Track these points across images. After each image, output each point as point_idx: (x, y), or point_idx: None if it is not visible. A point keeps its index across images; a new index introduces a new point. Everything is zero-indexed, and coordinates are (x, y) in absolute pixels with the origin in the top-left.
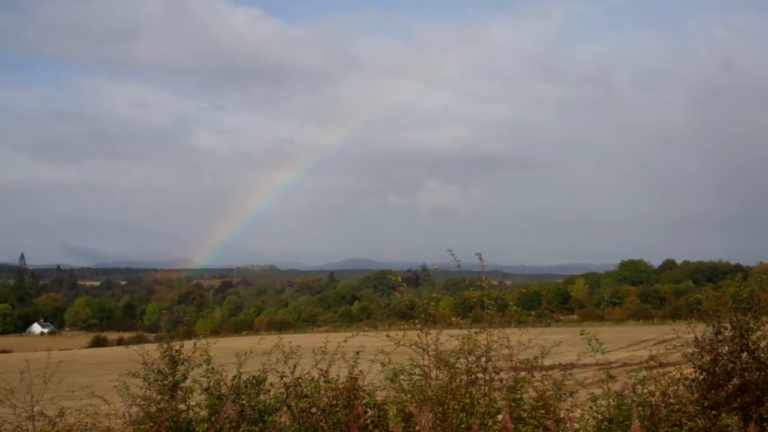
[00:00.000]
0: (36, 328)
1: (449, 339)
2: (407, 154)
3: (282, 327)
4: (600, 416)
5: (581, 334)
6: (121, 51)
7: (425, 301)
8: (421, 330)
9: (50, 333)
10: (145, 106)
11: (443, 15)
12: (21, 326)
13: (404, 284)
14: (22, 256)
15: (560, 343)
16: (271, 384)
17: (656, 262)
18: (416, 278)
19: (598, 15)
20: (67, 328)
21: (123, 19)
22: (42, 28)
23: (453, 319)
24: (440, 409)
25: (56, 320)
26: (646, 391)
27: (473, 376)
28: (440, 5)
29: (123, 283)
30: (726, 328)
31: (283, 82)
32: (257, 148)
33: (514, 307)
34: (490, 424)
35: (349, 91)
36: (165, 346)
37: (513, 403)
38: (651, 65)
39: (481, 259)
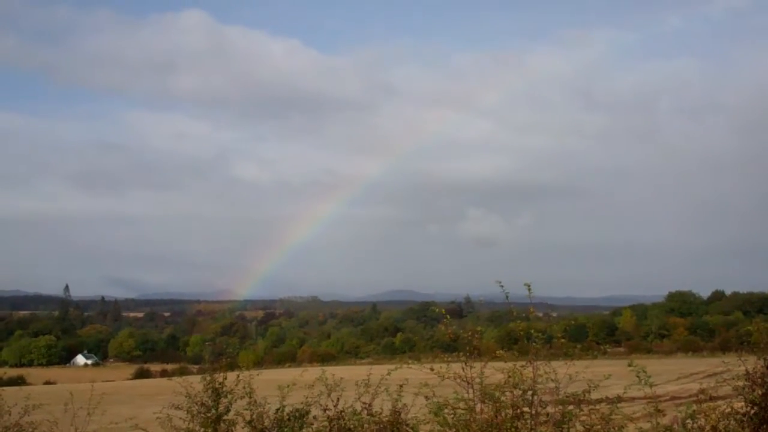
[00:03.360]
0: (80, 359)
1: (494, 372)
2: (448, 184)
3: (325, 359)
4: None
5: (629, 367)
6: (162, 83)
7: (469, 333)
8: (465, 363)
9: (94, 364)
10: (186, 137)
11: (480, 44)
12: (65, 358)
13: (448, 316)
14: (67, 287)
15: (609, 376)
16: (314, 417)
17: (705, 293)
18: (460, 310)
19: (639, 43)
20: (111, 360)
21: (163, 52)
22: (85, 61)
23: (498, 351)
24: None
25: (100, 352)
26: (696, 425)
27: (519, 411)
28: (477, 34)
29: (166, 314)
30: None
31: (321, 112)
32: (297, 179)
33: (561, 340)
34: None
35: (388, 120)
36: (208, 378)
37: None
38: (695, 92)
39: (529, 289)
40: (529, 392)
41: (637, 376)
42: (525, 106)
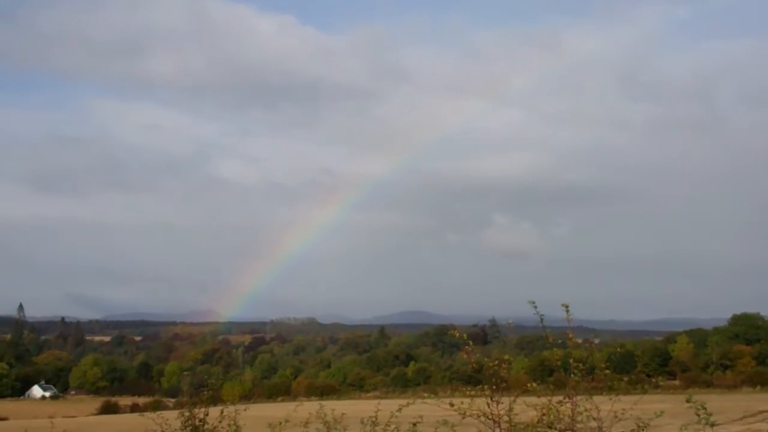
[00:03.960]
0: (36, 391)
1: (525, 409)
2: (469, 185)
3: (324, 392)
4: None
5: (686, 403)
6: (132, 67)
7: (496, 362)
8: (491, 398)
9: (53, 397)
10: (160, 129)
11: (507, 21)
12: (19, 389)
13: (470, 342)
14: (21, 306)
15: (662, 413)
16: None
17: None
18: (484, 334)
19: (694, 20)
20: (73, 392)
21: (134, 31)
22: (41, 41)
23: (530, 384)
24: None
25: (60, 382)
26: None
27: None
28: (502, 9)
29: (137, 338)
30: None
31: (318, 100)
32: (291, 179)
33: (605, 371)
34: None
35: (398, 110)
36: (187, 413)
37: None
38: (760, 78)
39: (567, 311)
40: None
41: (696, 414)
42: (560, 93)
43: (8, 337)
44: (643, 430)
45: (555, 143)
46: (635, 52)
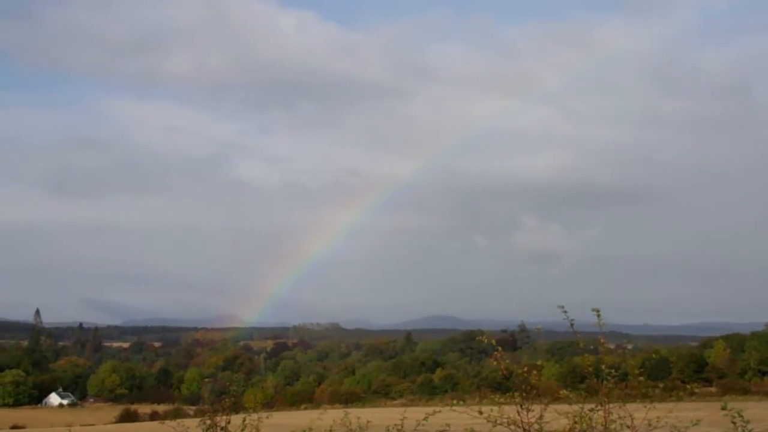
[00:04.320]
0: (54, 398)
1: (556, 417)
2: (497, 186)
3: (348, 399)
4: None
5: (722, 411)
6: (149, 65)
7: (525, 368)
8: (521, 405)
9: (70, 405)
10: (178, 130)
11: (536, 15)
12: (36, 397)
13: (499, 348)
14: (38, 312)
15: (698, 422)
16: None
17: None
18: (513, 340)
19: (732, 12)
20: (91, 399)
21: (150, 28)
22: (55, 39)
23: (561, 391)
24: None
25: (78, 389)
26: None
27: None
28: (531, 5)
29: (157, 344)
30: None
31: (341, 99)
32: (313, 181)
33: (638, 377)
34: None
35: (424, 109)
36: (208, 421)
37: None
38: None
39: (598, 315)
40: None
41: (733, 422)
42: (590, 90)
43: (25, 343)
44: None
45: (586, 142)
46: (669, 47)
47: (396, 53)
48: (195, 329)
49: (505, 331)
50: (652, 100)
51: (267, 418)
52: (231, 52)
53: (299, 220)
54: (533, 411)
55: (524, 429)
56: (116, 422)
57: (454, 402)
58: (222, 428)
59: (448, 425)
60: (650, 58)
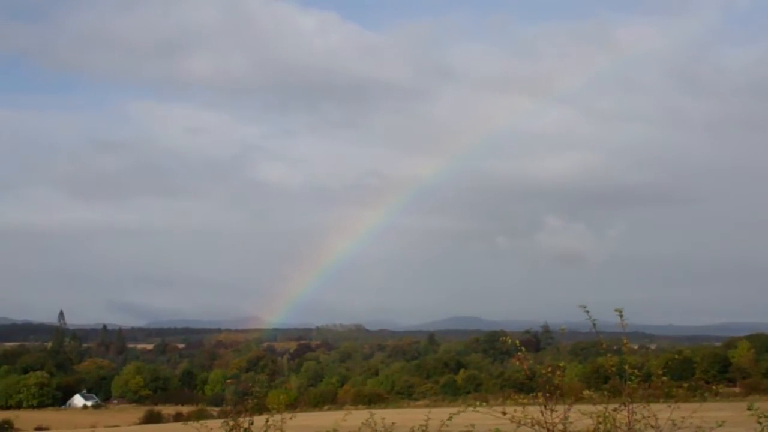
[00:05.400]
0: (78, 400)
1: (580, 417)
2: (520, 187)
3: (372, 400)
4: None
5: (747, 411)
6: (171, 68)
7: (549, 369)
8: (544, 406)
9: (95, 406)
10: (200, 131)
11: (556, 16)
12: (60, 398)
13: (523, 348)
14: (62, 313)
15: (723, 423)
16: None
17: None
18: (537, 341)
19: (756, 11)
20: (115, 401)
21: (172, 30)
22: (78, 42)
23: (584, 392)
24: None
25: (102, 391)
26: None
27: None
28: (552, 4)
29: (180, 346)
30: None
31: (364, 100)
32: (335, 182)
33: (662, 377)
34: None
35: (445, 110)
36: (231, 422)
37: None
38: None
39: (621, 316)
40: None
41: (758, 422)
42: (613, 90)
43: (49, 344)
44: None
45: (609, 142)
46: (692, 46)
47: (417, 54)
48: (218, 331)
49: (528, 331)
50: (675, 99)
51: (290, 419)
52: (253, 54)
53: (322, 221)
54: (557, 411)
55: (548, 429)
56: (140, 423)
57: (478, 403)
58: (245, 429)
59: (472, 426)
60: (673, 58)
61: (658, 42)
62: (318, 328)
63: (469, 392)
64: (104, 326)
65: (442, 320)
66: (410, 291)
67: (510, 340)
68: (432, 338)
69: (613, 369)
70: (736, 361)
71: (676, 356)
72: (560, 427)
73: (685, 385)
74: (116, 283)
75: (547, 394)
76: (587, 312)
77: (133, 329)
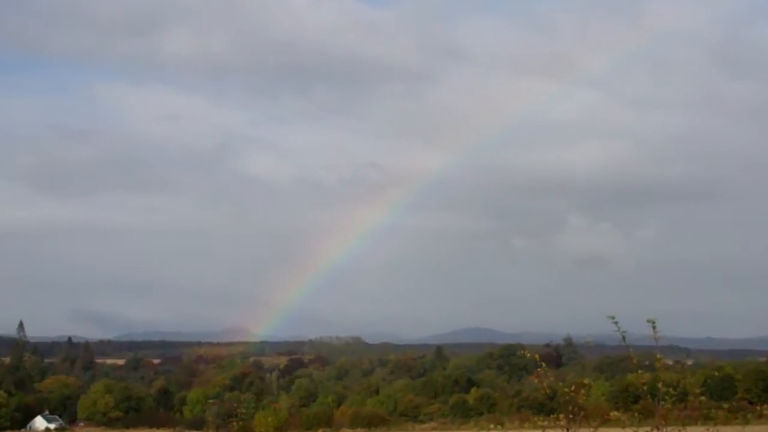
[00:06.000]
0: (39, 422)
1: None
2: (539, 181)
3: (372, 423)
4: None
5: None
6: (145, 47)
7: (572, 387)
8: (567, 429)
9: (58, 429)
10: (179, 118)
11: None
12: (20, 420)
13: (542, 363)
14: (21, 325)
15: None
16: None
17: None
18: (558, 355)
19: None
20: (81, 423)
21: (147, 3)
22: (38, 17)
23: (612, 413)
24: None
25: (66, 412)
26: None
27: None
28: None
29: (156, 361)
30: None
31: (362, 83)
32: (331, 176)
33: (699, 397)
34: None
35: (455, 94)
36: None
37: None
38: None
39: (654, 327)
40: None
41: None
42: (644, 72)
43: (7, 360)
44: None
45: (639, 130)
46: (733, 22)
47: (422, 31)
48: (199, 344)
49: (548, 345)
50: (714, 83)
51: None
52: (238, 31)
53: (315, 220)
54: None
55: None
56: None
57: (492, 426)
58: None
59: None
60: (711, 35)
61: (695, 18)
62: (311, 341)
63: (481, 414)
64: (69, 339)
65: (451, 332)
66: (415, 299)
67: (528, 355)
68: (440, 352)
69: (645, 387)
70: None
71: (716, 373)
72: None
73: (726, 405)
74: (83, 290)
75: (570, 416)
76: (616, 323)
77: (102, 342)
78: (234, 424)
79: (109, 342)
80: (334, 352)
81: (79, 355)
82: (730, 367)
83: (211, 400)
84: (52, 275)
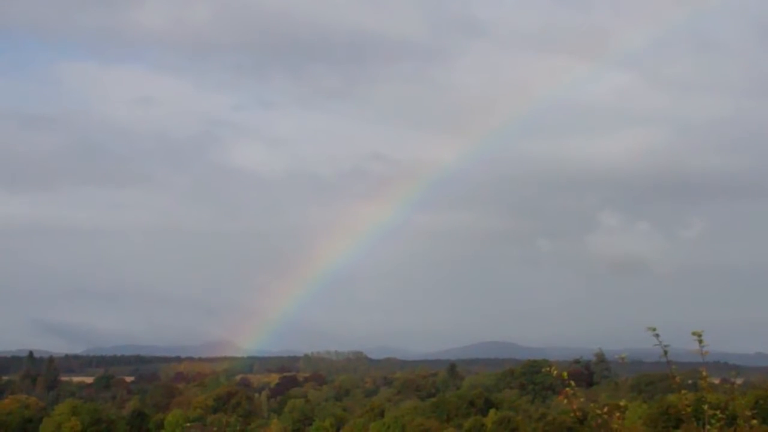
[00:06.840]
0: None
1: None
2: (567, 174)
3: None
4: None
5: None
6: (117, 20)
7: (605, 409)
8: None
9: None
10: (154, 102)
11: None
12: None
13: (571, 382)
14: None
15: None
16: None
17: None
18: (589, 373)
19: None
20: None
21: None
22: None
23: None
24: None
25: None
26: None
27: None
28: None
29: (129, 379)
30: None
31: (364, 63)
32: (328, 168)
33: (751, 420)
34: None
35: (470, 75)
36: None
37: None
38: None
39: (700, 341)
40: None
41: None
42: (685, 51)
43: None
44: None
45: (680, 116)
46: None
47: (433, 3)
48: (178, 360)
49: (578, 361)
50: (761, 62)
51: None
52: (222, 3)
53: (311, 218)
54: None
55: None
56: None
57: None
58: None
59: None
60: (759, 10)
61: None
62: (306, 357)
63: None
64: (30, 353)
65: (466, 346)
66: (425, 309)
67: (555, 372)
68: (453, 370)
69: (689, 409)
70: None
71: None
72: None
73: None
74: (46, 297)
75: None
76: (657, 335)
77: (67, 357)
78: None
79: (75, 357)
80: (332, 369)
81: (41, 372)
82: None
83: (190, 424)
84: (10, 280)
